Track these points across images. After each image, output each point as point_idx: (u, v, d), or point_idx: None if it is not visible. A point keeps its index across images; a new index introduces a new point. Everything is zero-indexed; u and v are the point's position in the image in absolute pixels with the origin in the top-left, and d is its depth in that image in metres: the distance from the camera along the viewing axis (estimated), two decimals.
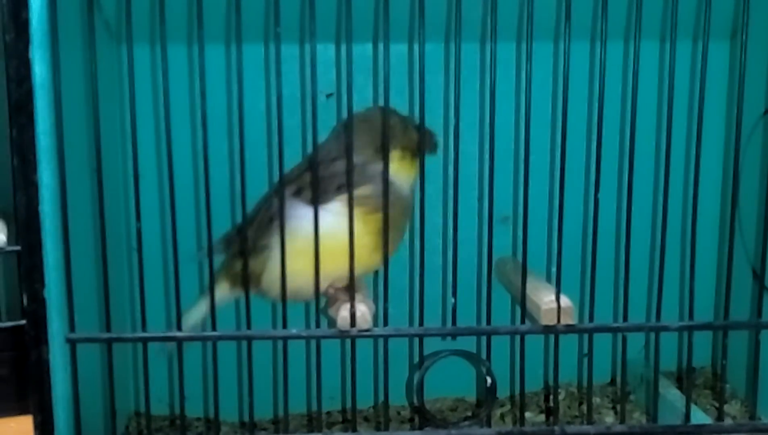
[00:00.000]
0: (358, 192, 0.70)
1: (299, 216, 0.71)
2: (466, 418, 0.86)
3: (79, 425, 0.63)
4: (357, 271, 0.69)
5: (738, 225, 0.84)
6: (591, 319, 0.67)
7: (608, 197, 0.84)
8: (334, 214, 0.69)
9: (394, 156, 0.75)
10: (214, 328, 0.64)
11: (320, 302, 0.74)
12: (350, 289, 0.65)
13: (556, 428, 0.66)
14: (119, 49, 0.83)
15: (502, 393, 0.89)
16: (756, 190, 0.79)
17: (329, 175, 0.72)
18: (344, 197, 0.68)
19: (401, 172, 0.76)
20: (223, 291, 0.78)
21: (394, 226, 0.73)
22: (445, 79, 0.85)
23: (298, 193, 0.73)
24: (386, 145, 0.65)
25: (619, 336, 0.74)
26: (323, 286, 0.70)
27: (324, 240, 0.64)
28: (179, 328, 0.65)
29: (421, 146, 0.69)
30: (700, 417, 0.73)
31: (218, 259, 0.79)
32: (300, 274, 0.67)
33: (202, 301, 0.77)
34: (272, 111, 0.83)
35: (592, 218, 0.66)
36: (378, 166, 0.71)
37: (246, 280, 0.68)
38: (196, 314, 0.77)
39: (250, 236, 0.75)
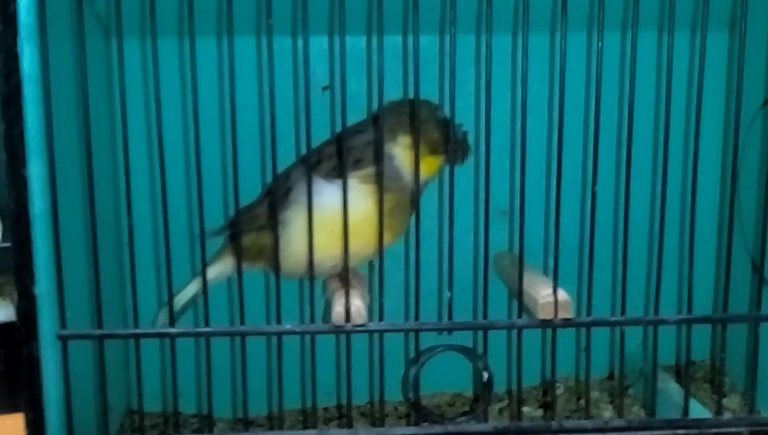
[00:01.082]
0: (371, 170, 0.71)
1: (315, 190, 0.67)
2: (463, 414, 0.86)
3: (71, 422, 0.62)
4: (367, 250, 0.70)
5: (738, 217, 0.83)
6: (589, 313, 0.67)
7: (606, 190, 0.84)
8: (349, 189, 0.66)
9: (403, 142, 0.75)
10: (207, 324, 0.64)
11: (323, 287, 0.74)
12: (345, 277, 0.64)
13: (554, 423, 0.65)
14: (110, 41, 0.82)
15: (501, 388, 0.88)
16: (755, 181, 0.78)
17: (346, 148, 0.71)
18: (360, 173, 0.70)
19: (408, 160, 0.75)
20: (227, 266, 0.78)
21: (400, 211, 0.74)
22: (440, 71, 0.84)
23: (315, 166, 0.72)
24: (380, 130, 0.66)
25: (618, 330, 0.74)
26: (333, 263, 0.71)
27: (338, 215, 0.64)
28: (172, 324, 0.64)
29: (416, 146, 0.66)
30: (698, 411, 0.72)
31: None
32: (317, 249, 0.65)
33: (195, 280, 0.78)
34: (264, 104, 0.82)
35: (590, 211, 0.66)
36: (389, 148, 0.73)
37: (240, 254, 0.67)
38: (188, 292, 0.78)
39: (261, 211, 0.75)
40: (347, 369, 0.66)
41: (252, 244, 0.76)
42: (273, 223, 0.74)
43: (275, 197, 0.75)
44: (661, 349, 0.69)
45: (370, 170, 0.72)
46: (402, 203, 0.75)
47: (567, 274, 0.69)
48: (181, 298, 0.78)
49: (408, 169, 0.75)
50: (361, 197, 0.70)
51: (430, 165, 0.77)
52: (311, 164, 0.72)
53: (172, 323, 0.64)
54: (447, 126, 0.74)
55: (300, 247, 0.68)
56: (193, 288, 0.79)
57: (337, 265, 0.72)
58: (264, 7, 0.60)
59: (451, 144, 0.75)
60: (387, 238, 0.69)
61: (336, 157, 0.73)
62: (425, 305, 0.67)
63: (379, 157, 0.67)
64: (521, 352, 0.68)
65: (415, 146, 0.66)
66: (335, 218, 0.66)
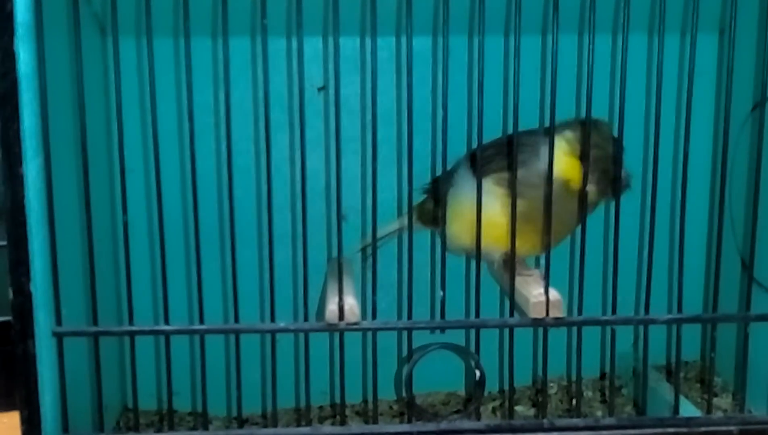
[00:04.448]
0: (505, 174, 0.72)
1: (462, 184, 0.75)
2: (456, 412, 0.86)
3: (66, 420, 0.62)
4: (501, 250, 0.74)
5: (728, 218, 0.84)
6: (580, 312, 0.67)
7: None
8: (483, 191, 0.66)
9: (560, 145, 0.71)
10: (201, 322, 0.64)
11: None
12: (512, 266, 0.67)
13: (545, 421, 0.66)
14: (106, 40, 0.82)
15: (494, 387, 0.89)
16: (745, 183, 0.79)
17: (493, 153, 0.75)
18: (496, 176, 0.73)
19: (566, 168, 0.72)
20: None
21: (534, 218, 0.70)
22: (433, 72, 0.85)
23: (470, 161, 0.76)
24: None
25: (609, 330, 0.74)
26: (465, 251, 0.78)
27: (472, 212, 0.65)
28: (167, 322, 0.65)
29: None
30: (689, 410, 0.73)
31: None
32: (458, 236, 0.74)
33: (398, 222, 0.83)
34: (259, 104, 0.83)
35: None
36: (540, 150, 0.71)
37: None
38: (390, 228, 0.83)
39: (442, 186, 0.79)
40: (340, 367, 0.67)
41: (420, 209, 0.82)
42: (437, 196, 0.79)
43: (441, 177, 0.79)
44: (652, 349, 0.69)
45: (504, 174, 0.72)
46: (538, 210, 0.69)
47: (558, 273, 0.70)
48: (384, 230, 0.82)
49: (559, 172, 0.71)
50: (494, 199, 0.72)
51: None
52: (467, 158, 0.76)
53: (166, 320, 0.64)
54: (616, 144, 0.71)
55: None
56: (395, 225, 0.83)
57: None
58: (259, 8, 0.61)
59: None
60: (529, 245, 0.71)
61: (496, 158, 0.75)
62: (418, 304, 0.67)
63: (514, 162, 0.64)
64: (513, 350, 0.68)
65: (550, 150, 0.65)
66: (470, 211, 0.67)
